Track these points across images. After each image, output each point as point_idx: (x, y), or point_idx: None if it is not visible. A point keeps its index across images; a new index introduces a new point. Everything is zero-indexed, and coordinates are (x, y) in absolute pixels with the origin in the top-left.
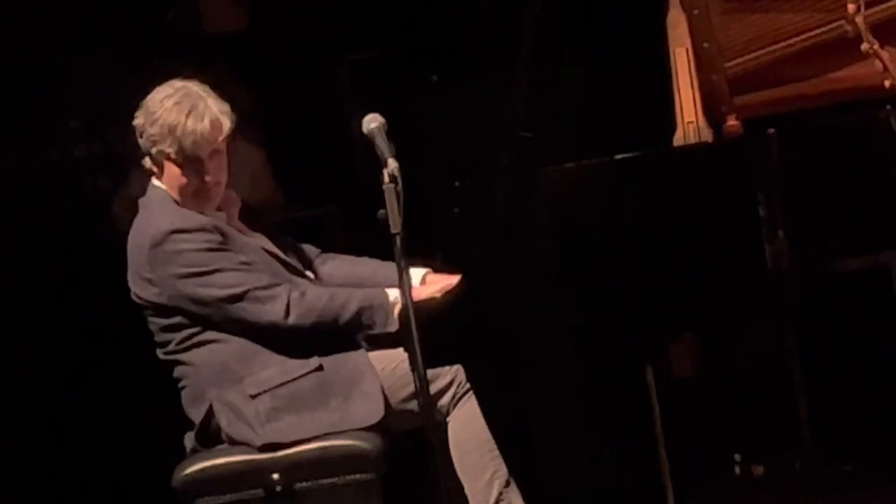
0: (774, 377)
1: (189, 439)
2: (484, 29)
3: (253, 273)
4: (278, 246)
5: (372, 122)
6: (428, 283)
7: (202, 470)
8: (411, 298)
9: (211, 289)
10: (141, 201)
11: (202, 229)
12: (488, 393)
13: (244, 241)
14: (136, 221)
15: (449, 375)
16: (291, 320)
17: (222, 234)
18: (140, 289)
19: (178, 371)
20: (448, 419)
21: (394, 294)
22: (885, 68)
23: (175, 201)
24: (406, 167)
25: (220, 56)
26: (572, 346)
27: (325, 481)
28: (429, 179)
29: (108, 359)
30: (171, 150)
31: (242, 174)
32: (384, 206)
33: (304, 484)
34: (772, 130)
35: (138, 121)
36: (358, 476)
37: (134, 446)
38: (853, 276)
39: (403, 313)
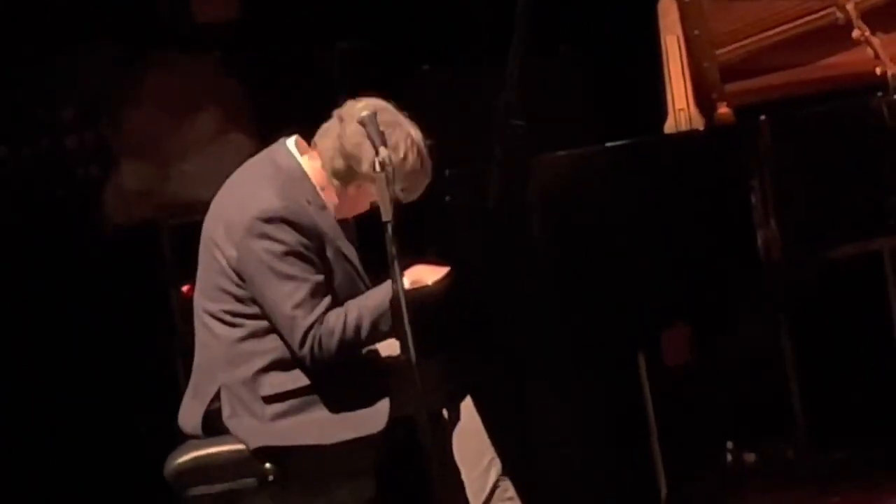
0: (766, 365)
1: (184, 417)
2: (476, 18)
3: (311, 303)
4: (359, 262)
5: (363, 111)
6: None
7: (194, 459)
8: (403, 288)
9: (270, 289)
10: (265, 156)
11: (306, 231)
12: (481, 382)
13: (335, 247)
14: (253, 182)
15: (447, 363)
16: (315, 365)
17: (322, 241)
18: (223, 242)
19: (200, 336)
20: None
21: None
22: (877, 55)
23: (312, 183)
24: None
25: (211, 45)
26: (565, 335)
27: (318, 471)
28: None
29: (101, 349)
30: (402, 185)
31: (233, 165)
32: None
33: (298, 473)
34: (763, 118)
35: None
36: (352, 465)
37: (126, 436)
38: (845, 264)
39: (395, 303)
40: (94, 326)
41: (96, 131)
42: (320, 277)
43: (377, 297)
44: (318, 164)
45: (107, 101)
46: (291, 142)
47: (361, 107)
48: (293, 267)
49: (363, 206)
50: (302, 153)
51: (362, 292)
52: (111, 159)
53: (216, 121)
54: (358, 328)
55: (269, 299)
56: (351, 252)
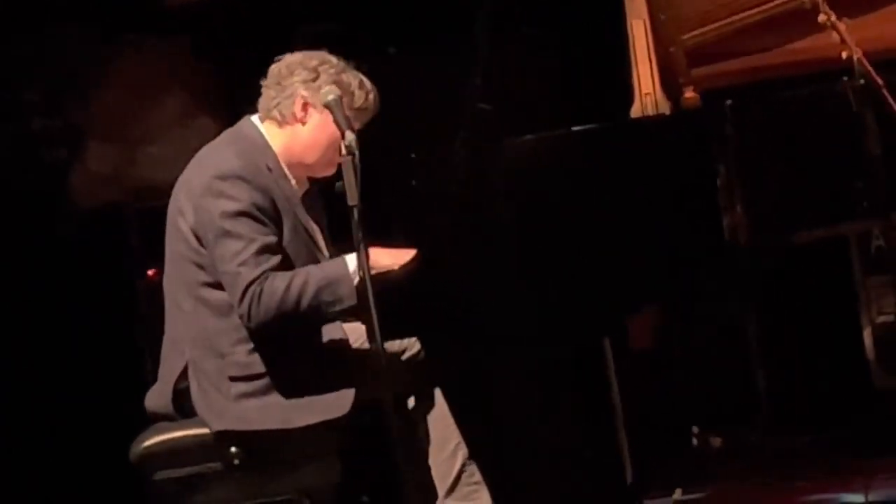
0: (732, 350)
1: (152, 397)
2: (443, 1)
3: (256, 261)
4: (326, 238)
5: (329, 95)
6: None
7: (160, 443)
8: (369, 272)
9: (220, 247)
10: (229, 132)
11: (262, 191)
12: (445, 367)
13: (293, 216)
14: (215, 147)
15: (415, 347)
16: (253, 323)
17: (277, 206)
18: (185, 206)
19: (169, 314)
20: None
21: (353, 263)
22: (842, 40)
23: (274, 152)
24: (364, 140)
25: (179, 28)
26: (531, 319)
27: (284, 455)
28: (387, 152)
29: (65, 333)
30: (359, 103)
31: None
32: (342, 179)
33: (264, 456)
34: (729, 102)
35: (312, 62)
36: (317, 449)
37: (92, 420)
38: (811, 248)
39: (361, 287)
40: (58, 310)
41: (63, 115)
42: (271, 239)
43: (326, 269)
44: (278, 131)
45: (74, 84)
46: (255, 116)
47: (327, 91)
48: (243, 226)
49: (320, 143)
50: (268, 129)
51: None
52: (78, 143)
53: (184, 104)
54: (301, 294)
55: (218, 257)
56: (312, 227)
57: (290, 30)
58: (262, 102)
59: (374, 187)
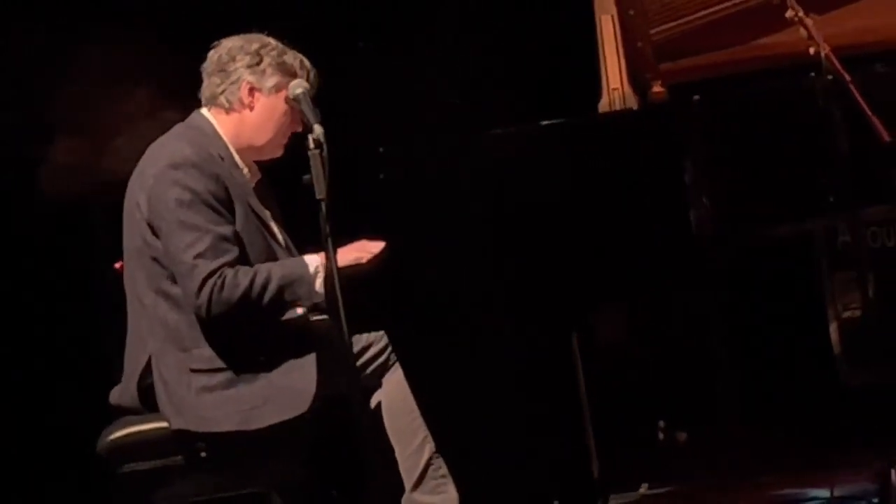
0: (699, 344)
1: (118, 390)
2: None
3: (214, 253)
4: (280, 226)
5: (297, 88)
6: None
7: (128, 435)
8: (336, 264)
9: (174, 238)
10: (179, 125)
11: (215, 180)
12: (414, 359)
13: (246, 205)
14: (167, 139)
15: (382, 341)
16: (209, 316)
17: (230, 194)
18: (140, 197)
19: (131, 309)
20: (382, 381)
21: (314, 263)
22: (810, 36)
23: (225, 139)
24: (332, 133)
25: (147, 19)
26: (499, 313)
27: (250, 449)
28: (355, 146)
29: (32, 326)
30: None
31: None
32: (310, 172)
33: (230, 451)
34: (696, 97)
35: (253, 46)
36: (283, 443)
37: (58, 414)
38: (778, 243)
39: (328, 280)
40: (25, 304)
41: (29, 109)
42: (226, 229)
43: (289, 267)
44: (225, 118)
45: (40, 76)
46: (204, 109)
47: (295, 84)
48: (198, 216)
49: (269, 127)
50: (216, 117)
51: (278, 257)
52: (44, 136)
53: (153, 96)
54: (263, 290)
55: (172, 248)
56: (265, 214)
57: (259, 23)
58: (206, 90)
59: (342, 181)
